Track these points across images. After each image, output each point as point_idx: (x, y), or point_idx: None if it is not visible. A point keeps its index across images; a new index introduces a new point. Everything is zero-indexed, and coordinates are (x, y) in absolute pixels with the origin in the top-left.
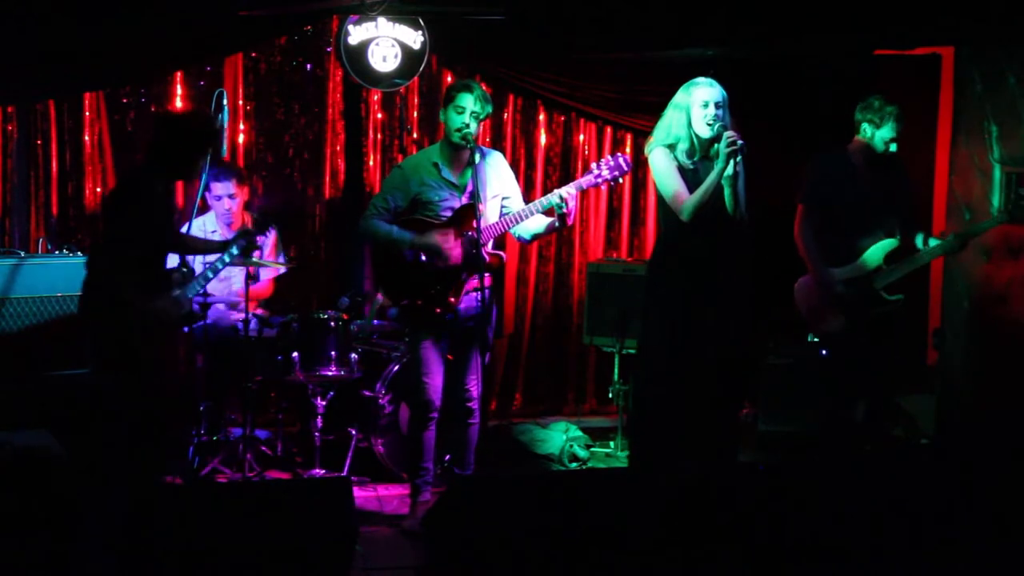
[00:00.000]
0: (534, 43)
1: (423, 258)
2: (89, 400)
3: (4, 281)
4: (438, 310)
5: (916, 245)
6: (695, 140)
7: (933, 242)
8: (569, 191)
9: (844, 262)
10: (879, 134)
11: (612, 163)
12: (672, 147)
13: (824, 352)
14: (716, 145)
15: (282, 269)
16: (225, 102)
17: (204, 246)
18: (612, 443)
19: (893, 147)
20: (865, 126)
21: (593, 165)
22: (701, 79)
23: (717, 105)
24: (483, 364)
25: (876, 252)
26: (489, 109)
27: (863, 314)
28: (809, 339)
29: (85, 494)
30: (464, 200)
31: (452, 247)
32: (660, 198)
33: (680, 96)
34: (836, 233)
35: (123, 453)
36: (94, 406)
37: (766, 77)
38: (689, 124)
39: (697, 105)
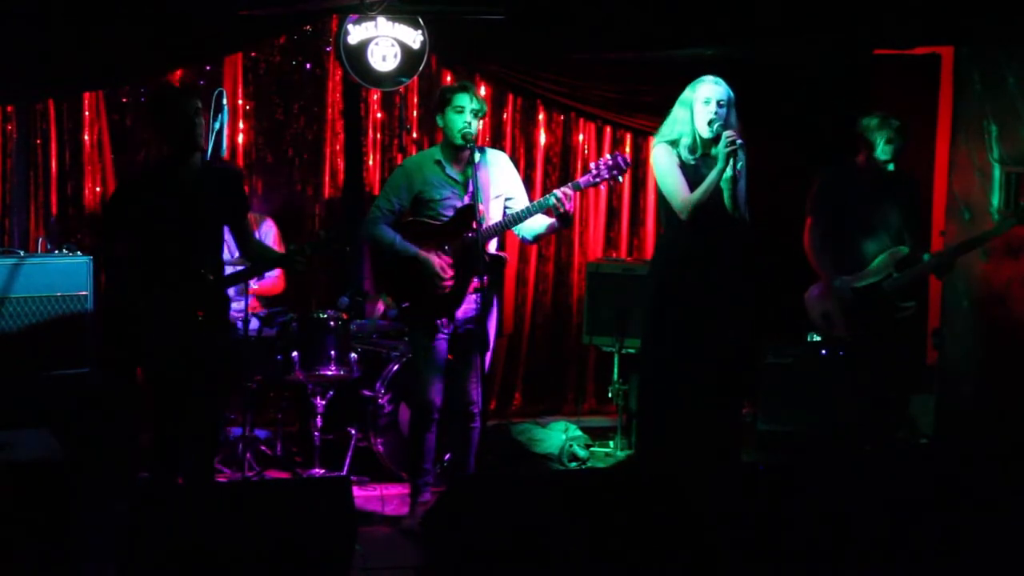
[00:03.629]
0: (534, 43)
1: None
2: (90, 398)
3: (4, 281)
4: (440, 312)
5: (922, 254)
6: (697, 137)
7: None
8: (566, 191)
9: (853, 271)
10: (882, 148)
11: (611, 162)
12: (675, 143)
13: (824, 352)
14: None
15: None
16: (225, 102)
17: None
18: (612, 443)
19: (893, 160)
20: (870, 138)
21: (591, 165)
22: (708, 76)
23: (720, 103)
24: (483, 366)
25: (885, 259)
26: (485, 106)
27: (874, 320)
28: (809, 339)
29: (85, 494)
30: (466, 199)
31: (449, 275)
32: (661, 197)
33: (686, 93)
34: (844, 243)
35: (124, 450)
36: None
37: (766, 77)
38: (692, 120)
39: (700, 101)
